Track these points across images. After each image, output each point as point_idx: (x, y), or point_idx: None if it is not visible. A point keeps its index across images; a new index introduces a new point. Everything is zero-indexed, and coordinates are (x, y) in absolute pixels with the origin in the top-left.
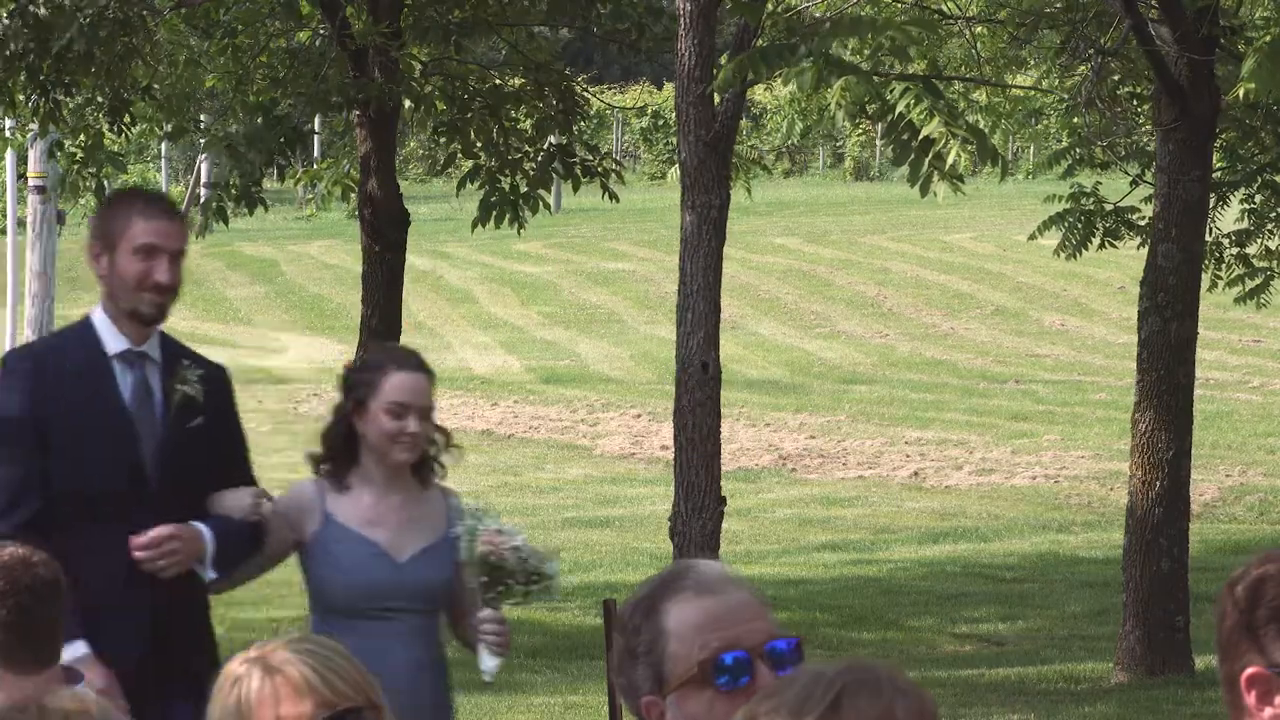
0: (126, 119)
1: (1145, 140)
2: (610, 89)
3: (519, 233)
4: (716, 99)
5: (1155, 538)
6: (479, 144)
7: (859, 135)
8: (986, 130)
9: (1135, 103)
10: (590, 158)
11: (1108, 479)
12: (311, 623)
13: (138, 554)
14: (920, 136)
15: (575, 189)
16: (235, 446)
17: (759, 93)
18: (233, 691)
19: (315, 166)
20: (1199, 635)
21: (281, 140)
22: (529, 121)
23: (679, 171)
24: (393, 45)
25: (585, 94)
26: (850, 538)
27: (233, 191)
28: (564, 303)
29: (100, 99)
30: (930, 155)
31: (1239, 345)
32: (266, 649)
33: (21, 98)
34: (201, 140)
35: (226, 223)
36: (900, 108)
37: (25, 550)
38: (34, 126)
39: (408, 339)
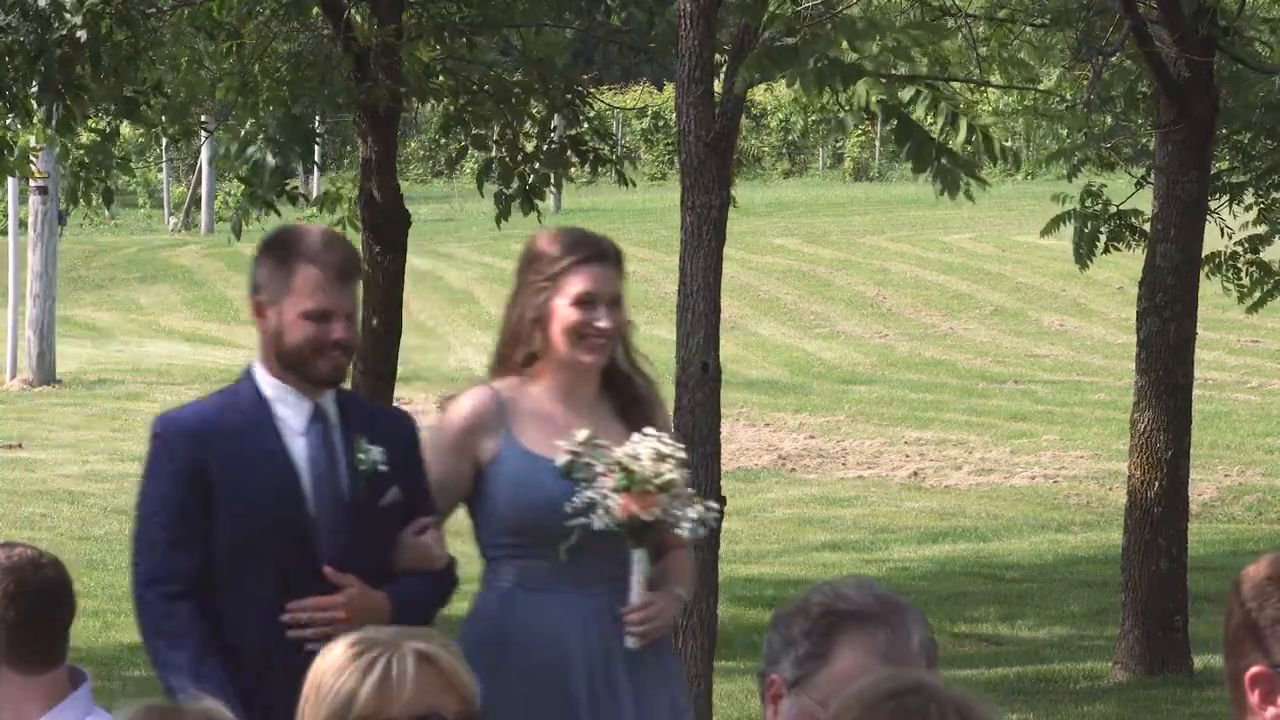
0: (144, 110)
1: (1147, 140)
2: (610, 89)
3: (540, 219)
4: (716, 100)
5: (1154, 537)
6: (491, 134)
7: (859, 135)
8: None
9: (1139, 103)
10: (604, 146)
11: (1107, 479)
12: None
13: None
14: (940, 144)
15: (594, 173)
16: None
17: (759, 93)
18: (371, 671)
19: (332, 185)
20: (1198, 635)
21: (303, 137)
22: (538, 108)
23: (679, 172)
24: (399, 44)
25: (586, 93)
26: (850, 538)
27: (267, 180)
28: None
29: (109, 103)
30: (954, 159)
31: (1238, 345)
32: (400, 635)
33: (34, 104)
34: (224, 138)
35: (278, 212)
36: (918, 115)
37: (34, 551)
38: (35, 133)
39: (407, 339)
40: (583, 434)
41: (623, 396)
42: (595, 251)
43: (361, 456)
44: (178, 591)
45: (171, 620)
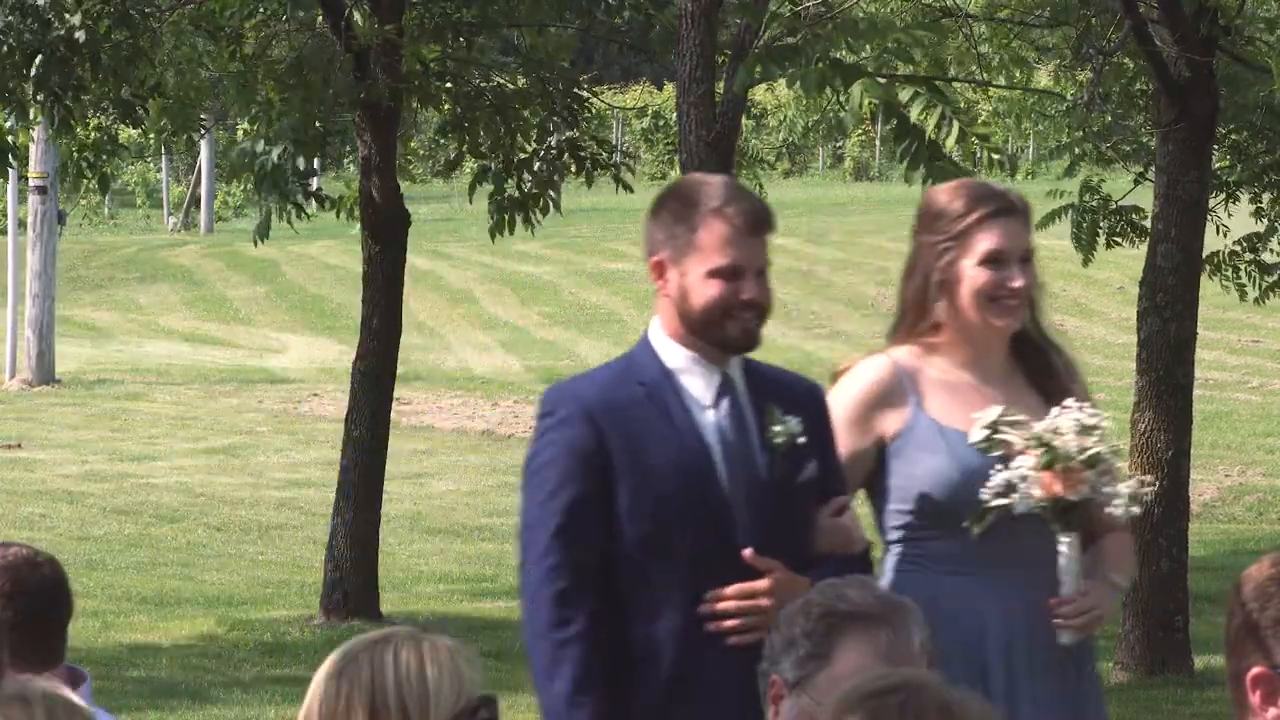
0: (140, 113)
1: (1148, 140)
2: (610, 89)
3: (532, 232)
4: (717, 99)
5: (1155, 537)
6: (486, 144)
7: (859, 135)
8: (991, 132)
9: (1142, 103)
10: (601, 151)
11: None
12: None
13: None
14: (929, 141)
15: (589, 183)
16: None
17: (759, 93)
18: (457, 657)
19: (347, 188)
20: (1199, 635)
21: (316, 136)
22: (535, 119)
23: (679, 172)
24: (400, 42)
25: (588, 94)
26: None
27: (291, 181)
28: (564, 303)
29: (108, 103)
30: (947, 160)
31: (1238, 345)
32: (431, 632)
33: (36, 102)
34: (224, 139)
35: (308, 214)
36: (914, 117)
37: (29, 550)
38: (37, 125)
39: (408, 339)
40: (997, 408)
41: (1034, 364)
42: (1004, 204)
43: (777, 429)
44: (574, 591)
45: (562, 629)
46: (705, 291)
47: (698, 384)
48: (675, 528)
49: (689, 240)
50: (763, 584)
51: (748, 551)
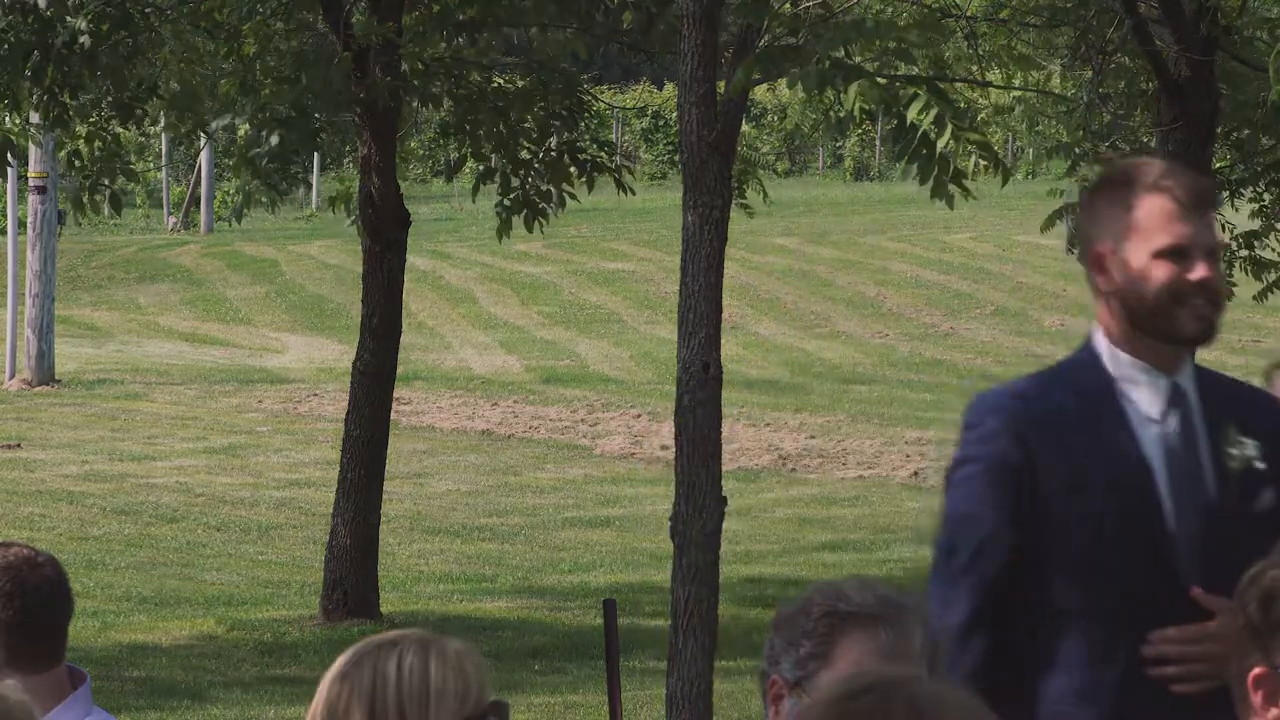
0: (139, 113)
1: (1149, 139)
2: (610, 89)
3: (542, 230)
4: (718, 99)
5: None
6: (488, 146)
7: (859, 135)
8: (990, 132)
9: (1139, 100)
10: (601, 154)
11: None
12: None
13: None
14: (930, 142)
15: (590, 188)
16: None
17: (760, 93)
18: (467, 661)
19: (341, 185)
20: None
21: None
22: (535, 120)
23: (680, 172)
24: (399, 40)
25: (589, 94)
26: (850, 538)
27: (265, 164)
28: (564, 303)
29: (107, 100)
30: (938, 158)
31: (1239, 345)
32: (422, 633)
33: (33, 99)
34: (223, 136)
35: (281, 193)
36: (911, 116)
37: (29, 550)
38: (36, 119)
39: (408, 339)
40: None
41: None
42: None
43: (1232, 451)
44: (974, 623)
45: (959, 659)
46: (1152, 275)
47: (1144, 394)
48: (1108, 561)
49: (1128, 222)
50: (1212, 626)
51: (1197, 590)
